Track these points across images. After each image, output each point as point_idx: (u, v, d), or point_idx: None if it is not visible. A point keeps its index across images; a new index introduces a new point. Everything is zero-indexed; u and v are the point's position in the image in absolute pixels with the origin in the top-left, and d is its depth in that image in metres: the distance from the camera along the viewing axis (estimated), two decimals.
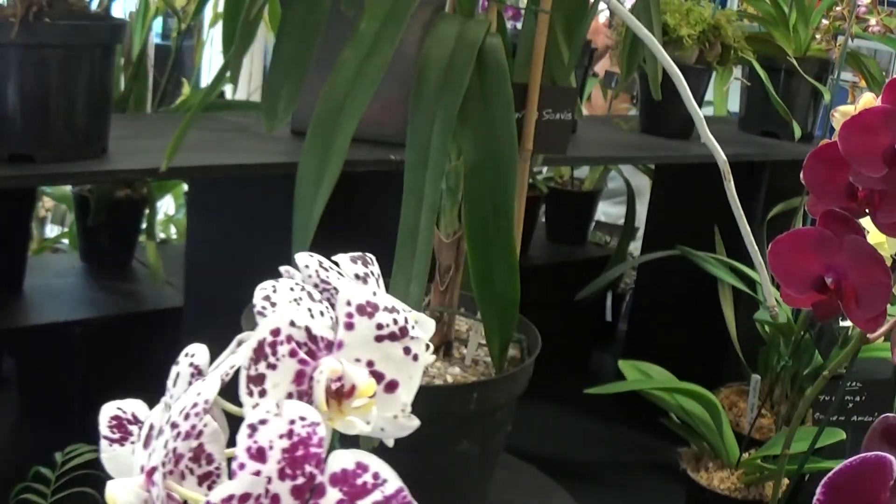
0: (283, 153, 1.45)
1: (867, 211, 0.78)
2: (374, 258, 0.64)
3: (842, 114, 1.38)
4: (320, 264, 0.57)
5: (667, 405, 1.55)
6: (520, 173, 1.07)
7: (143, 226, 1.90)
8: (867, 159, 0.74)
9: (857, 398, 1.15)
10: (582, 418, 2.01)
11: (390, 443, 0.82)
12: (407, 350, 0.53)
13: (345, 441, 0.53)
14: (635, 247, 2.31)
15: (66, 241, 2.14)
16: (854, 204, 0.77)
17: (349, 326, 0.51)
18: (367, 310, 0.52)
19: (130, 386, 0.67)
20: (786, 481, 1.51)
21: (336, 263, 0.60)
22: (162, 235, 2.18)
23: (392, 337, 0.52)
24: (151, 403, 0.54)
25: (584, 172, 2.38)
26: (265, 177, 1.49)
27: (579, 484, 1.83)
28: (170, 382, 0.51)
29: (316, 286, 0.56)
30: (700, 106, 1.93)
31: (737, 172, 0.99)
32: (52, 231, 2.39)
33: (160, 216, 2.14)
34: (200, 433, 0.46)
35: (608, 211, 2.60)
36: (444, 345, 1.11)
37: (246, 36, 0.86)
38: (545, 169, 2.34)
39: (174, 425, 0.46)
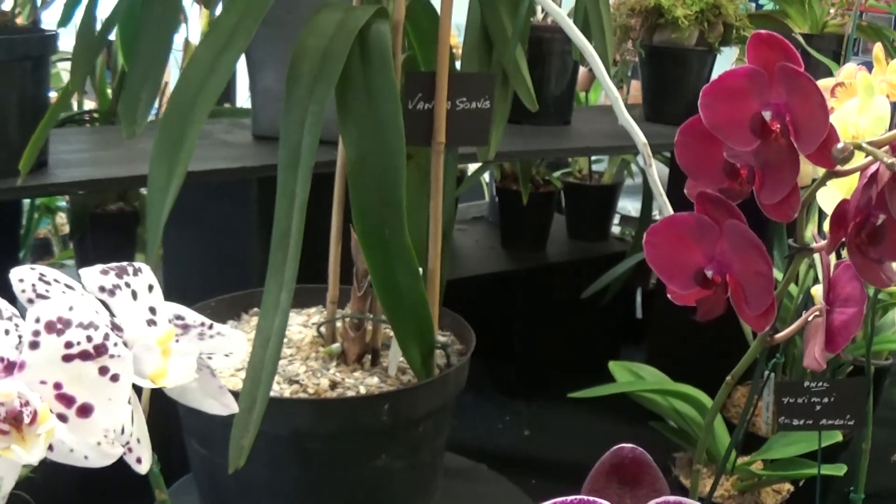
0: (245, 158, 1.41)
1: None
2: (144, 268, 0.58)
3: (821, 87, 1.27)
4: (40, 277, 0.51)
5: (660, 408, 1.46)
6: (434, 167, 1.00)
7: None
8: (734, 131, 0.65)
9: (826, 399, 1.04)
10: (611, 420, 1.92)
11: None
12: (103, 370, 0.47)
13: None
14: None
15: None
16: (735, 184, 0.68)
17: (34, 345, 0.46)
18: (56, 326, 0.46)
19: None
20: (787, 487, 1.40)
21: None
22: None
23: (84, 356, 0.46)
24: None
25: (605, 166, 2.28)
26: (230, 182, 1.46)
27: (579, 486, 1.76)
28: None
29: (31, 301, 0.51)
30: None
31: None
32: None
33: None
34: None
35: (637, 205, 2.49)
36: (367, 353, 1.04)
37: (88, 48, 0.81)
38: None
39: None
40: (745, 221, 0.67)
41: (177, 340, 0.58)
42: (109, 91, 1.81)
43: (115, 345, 0.47)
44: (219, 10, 0.84)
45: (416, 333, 0.96)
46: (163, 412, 0.70)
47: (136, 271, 0.56)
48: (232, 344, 0.64)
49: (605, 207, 2.26)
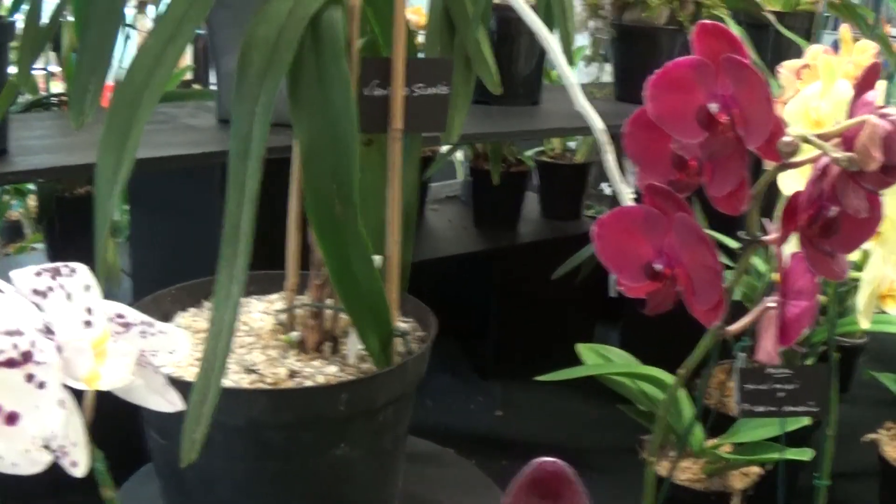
0: (209, 143, 1.40)
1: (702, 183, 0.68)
2: (79, 268, 0.57)
3: (788, 69, 1.26)
4: None
5: (628, 391, 1.46)
6: (390, 154, 0.99)
7: None
8: (681, 123, 0.64)
9: (789, 386, 1.04)
10: (582, 400, 1.93)
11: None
12: (30, 377, 0.46)
13: None
14: None
15: None
16: (684, 176, 0.67)
17: None
18: None
19: None
20: (756, 470, 1.41)
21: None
22: None
23: (9, 364, 0.45)
24: None
25: (578, 144, 2.28)
26: (195, 167, 1.44)
27: None
28: None
29: None
30: None
31: None
32: None
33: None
34: None
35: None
36: (327, 342, 1.04)
37: (34, 41, 0.80)
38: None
39: None
40: (693, 214, 0.67)
41: (115, 341, 0.57)
42: None
43: (42, 351, 0.46)
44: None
45: (374, 322, 0.96)
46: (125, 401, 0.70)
47: (72, 272, 0.55)
48: (174, 342, 0.63)
49: (577, 186, 2.25)
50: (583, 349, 1.50)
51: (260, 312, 1.10)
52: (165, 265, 1.58)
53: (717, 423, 1.49)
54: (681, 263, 0.68)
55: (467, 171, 2.32)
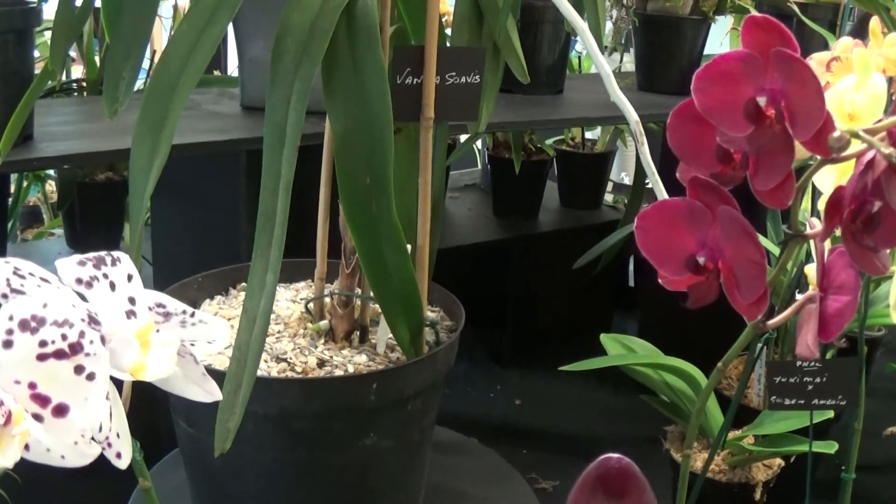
0: (233, 129, 1.39)
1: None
2: (122, 257, 0.57)
3: (817, 61, 1.25)
4: (15, 272, 0.50)
5: (651, 382, 1.45)
6: (422, 143, 0.98)
7: None
8: (728, 116, 0.63)
9: (818, 379, 1.03)
10: (602, 389, 1.92)
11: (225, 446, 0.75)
12: (79, 369, 0.46)
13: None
14: None
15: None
16: (728, 169, 0.67)
17: (7, 344, 0.45)
18: (30, 325, 0.45)
19: None
20: (778, 462, 1.40)
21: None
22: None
23: (59, 355, 0.45)
24: None
25: (598, 134, 2.27)
26: (219, 154, 1.44)
27: (575, 461, 1.76)
28: None
29: (5, 296, 0.49)
30: (699, 58, 1.80)
31: None
32: None
33: None
34: None
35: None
36: (356, 331, 1.03)
37: (67, 29, 0.79)
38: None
39: None
40: (738, 208, 0.66)
41: (157, 330, 0.57)
42: (98, 59, 1.78)
43: (91, 342, 0.46)
44: None
45: (405, 312, 0.95)
46: (151, 387, 0.69)
47: (115, 261, 0.55)
48: (214, 331, 0.63)
49: (598, 175, 2.25)
50: (606, 339, 1.49)
51: (287, 301, 1.10)
52: (187, 252, 1.58)
53: (738, 414, 1.48)
54: (724, 257, 0.67)
55: (486, 159, 2.31)
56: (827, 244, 0.73)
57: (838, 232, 0.67)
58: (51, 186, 2.36)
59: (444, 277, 1.14)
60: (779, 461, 1.41)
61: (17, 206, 2.03)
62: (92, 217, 1.80)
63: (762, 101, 0.61)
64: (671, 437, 1.46)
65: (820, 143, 0.61)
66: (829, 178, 0.81)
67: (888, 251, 0.71)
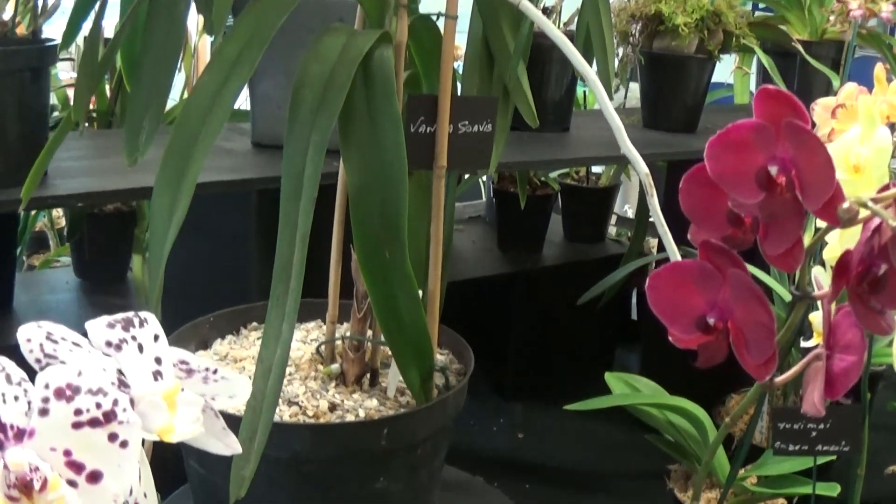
0: (245, 168, 1.40)
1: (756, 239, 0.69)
2: (149, 318, 0.58)
3: (822, 107, 1.27)
4: (48, 336, 0.51)
5: (655, 421, 1.46)
6: (435, 191, 1.00)
7: None
8: (740, 183, 0.65)
9: (821, 426, 1.04)
10: (605, 424, 1.93)
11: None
12: (113, 437, 0.47)
13: None
14: (656, 243, 2.21)
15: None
16: (739, 232, 0.68)
17: (44, 412, 0.46)
18: (66, 393, 0.46)
19: None
20: (781, 502, 1.41)
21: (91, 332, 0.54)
22: None
23: (93, 423, 0.46)
24: None
25: (602, 168, 2.29)
26: (230, 191, 1.45)
27: (578, 496, 1.78)
28: None
29: (38, 361, 0.51)
30: (704, 96, 1.82)
31: None
32: None
33: None
34: None
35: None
36: (366, 374, 1.05)
37: (91, 77, 0.81)
38: None
39: None
40: (748, 271, 0.68)
41: (182, 389, 0.58)
42: (108, 90, 1.80)
43: (125, 410, 0.47)
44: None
45: (416, 357, 0.97)
46: None
47: (142, 322, 0.56)
48: (235, 386, 0.64)
49: (602, 209, 2.26)
50: (610, 378, 1.51)
51: (298, 341, 1.11)
52: (195, 286, 1.59)
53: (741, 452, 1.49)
54: (734, 318, 0.69)
55: (490, 191, 2.33)
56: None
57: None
58: (57, 212, 2.38)
59: (448, 310, 1.15)
60: (781, 501, 1.41)
61: (26, 234, 2.04)
62: (100, 247, 1.81)
63: (773, 169, 0.63)
64: (675, 477, 1.47)
65: (829, 213, 0.62)
66: (835, 232, 0.83)
67: (893, 312, 0.72)
